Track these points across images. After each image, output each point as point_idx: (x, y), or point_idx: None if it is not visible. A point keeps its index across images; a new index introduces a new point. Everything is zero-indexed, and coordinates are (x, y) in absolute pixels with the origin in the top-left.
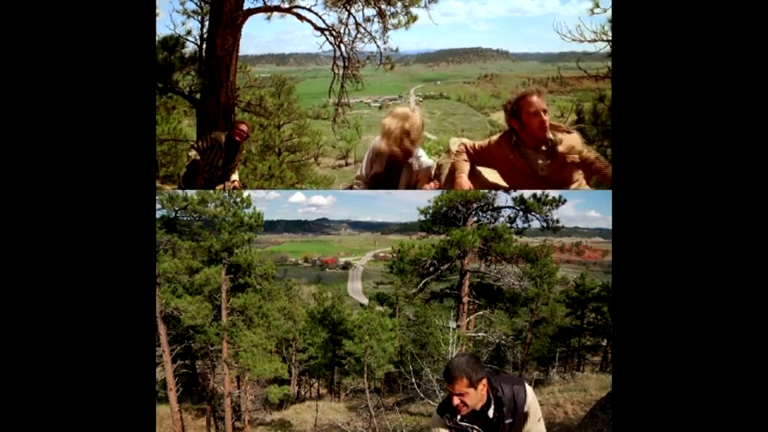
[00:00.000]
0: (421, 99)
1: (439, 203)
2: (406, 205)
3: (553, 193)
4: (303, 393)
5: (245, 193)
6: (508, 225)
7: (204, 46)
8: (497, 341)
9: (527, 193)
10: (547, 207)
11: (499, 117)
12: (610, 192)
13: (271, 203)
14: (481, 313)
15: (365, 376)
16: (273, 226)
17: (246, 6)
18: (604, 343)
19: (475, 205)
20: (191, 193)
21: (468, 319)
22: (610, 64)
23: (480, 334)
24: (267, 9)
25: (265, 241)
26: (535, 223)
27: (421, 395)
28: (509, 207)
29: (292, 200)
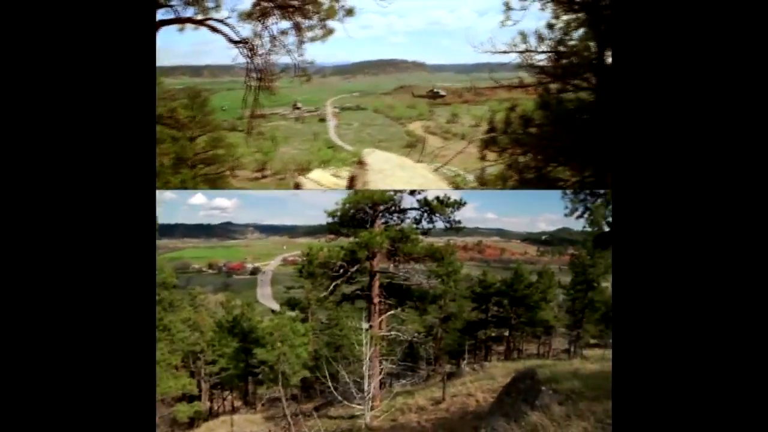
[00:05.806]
0: (338, 110)
1: (347, 205)
2: (312, 207)
3: (454, 196)
4: (216, 408)
5: None
6: (414, 226)
7: None
8: (410, 339)
9: (430, 195)
10: (449, 209)
11: (416, 127)
12: (505, 192)
13: (167, 204)
14: (392, 312)
15: (280, 383)
16: (171, 231)
17: (158, 17)
18: (507, 334)
19: (382, 207)
20: None
21: (380, 319)
22: (520, 74)
23: (392, 332)
24: (179, 21)
25: (162, 247)
26: (439, 224)
27: (339, 398)
28: (415, 209)
29: (191, 202)
